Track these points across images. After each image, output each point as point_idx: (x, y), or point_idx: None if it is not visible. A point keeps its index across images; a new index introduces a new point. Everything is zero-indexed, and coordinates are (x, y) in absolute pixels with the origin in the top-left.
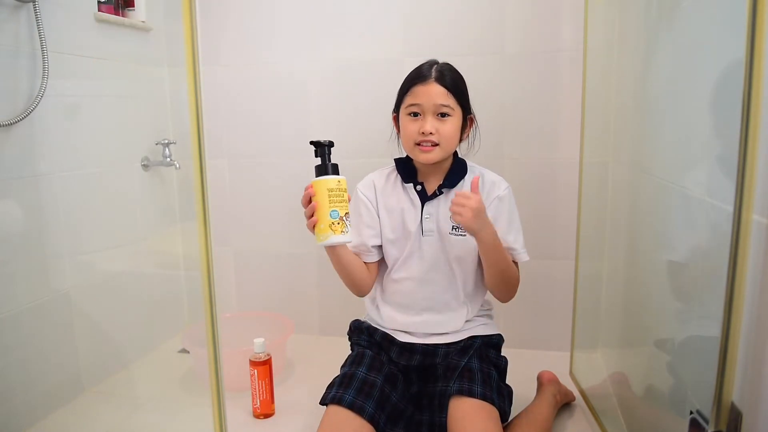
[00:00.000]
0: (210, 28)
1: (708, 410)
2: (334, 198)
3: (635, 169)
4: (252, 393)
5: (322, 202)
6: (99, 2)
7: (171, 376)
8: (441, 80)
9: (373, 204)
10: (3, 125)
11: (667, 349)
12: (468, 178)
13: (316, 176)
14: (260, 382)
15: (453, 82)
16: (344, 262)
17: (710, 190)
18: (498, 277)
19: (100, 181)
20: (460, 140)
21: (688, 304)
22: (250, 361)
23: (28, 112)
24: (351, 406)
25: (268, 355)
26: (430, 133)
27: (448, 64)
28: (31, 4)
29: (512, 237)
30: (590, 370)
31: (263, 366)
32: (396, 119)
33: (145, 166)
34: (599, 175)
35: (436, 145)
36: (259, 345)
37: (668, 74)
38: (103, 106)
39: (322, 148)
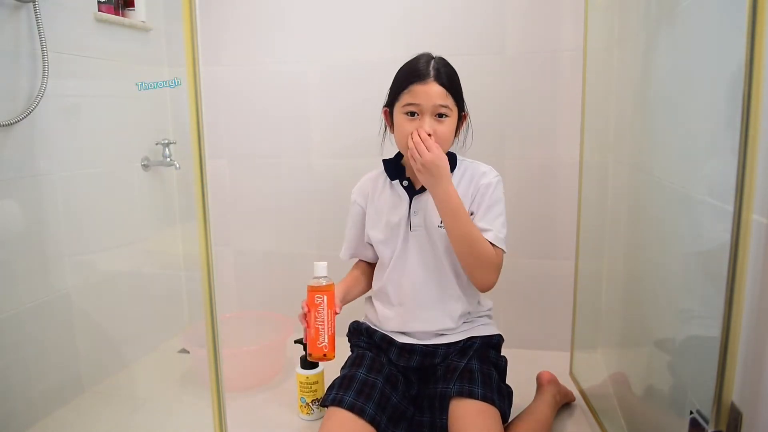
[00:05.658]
0: (210, 28)
1: (708, 410)
2: (303, 389)
3: (635, 169)
4: (316, 330)
5: (298, 388)
6: (99, 2)
7: (171, 376)
8: (439, 79)
9: (364, 209)
10: (3, 125)
11: (667, 349)
12: (457, 173)
13: (300, 366)
14: (329, 311)
15: (450, 80)
16: (351, 298)
17: (710, 190)
18: (461, 243)
19: (100, 181)
20: (454, 137)
21: (688, 304)
22: (310, 288)
23: (28, 112)
24: (351, 408)
25: (330, 280)
26: (429, 135)
27: (442, 58)
28: (31, 4)
29: (486, 223)
30: (590, 370)
31: (329, 292)
32: (387, 114)
33: (145, 166)
34: (599, 175)
35: None
36: (321, 268)
37: (668, 74)
38: (103, 106)
39: (303, 345)
